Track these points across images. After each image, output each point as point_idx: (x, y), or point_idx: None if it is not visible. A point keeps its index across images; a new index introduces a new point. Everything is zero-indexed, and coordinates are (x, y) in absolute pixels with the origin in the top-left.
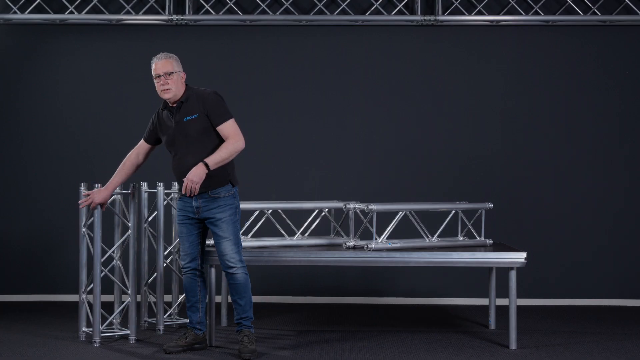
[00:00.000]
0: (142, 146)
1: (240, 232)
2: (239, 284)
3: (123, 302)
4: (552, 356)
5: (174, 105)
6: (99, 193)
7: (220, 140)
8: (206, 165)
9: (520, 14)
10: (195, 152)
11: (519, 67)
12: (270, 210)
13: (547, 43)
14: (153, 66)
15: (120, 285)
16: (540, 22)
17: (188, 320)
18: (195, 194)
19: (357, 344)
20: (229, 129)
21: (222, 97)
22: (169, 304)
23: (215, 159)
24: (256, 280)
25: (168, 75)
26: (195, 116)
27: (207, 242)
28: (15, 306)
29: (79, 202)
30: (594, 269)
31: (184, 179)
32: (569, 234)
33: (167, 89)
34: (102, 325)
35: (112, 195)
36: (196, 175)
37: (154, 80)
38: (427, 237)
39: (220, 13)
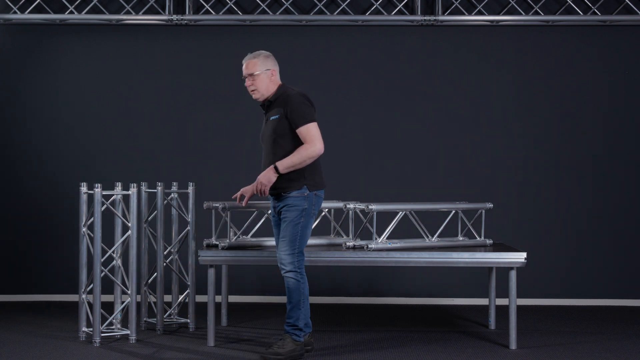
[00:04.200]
0: None
1: (305, 235)
2: (288, 288)
3: (123, 302)
4: (552, 356)
5: (266, 102)
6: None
7: (300, 142)
8: (276, 169)
9: (520, 14)
10: (273, 151)
11: (519, 67)
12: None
13: (547, 43)
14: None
15: (120, 285)
16: (540, 22)
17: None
18: (265, 195)
19: (357, 344)
20: (306, 133)
21: (307, 99)
22: (169, 304)
23: (286, 164)
24: (256, 280)
25: (251, 77)
26: (277, 117)
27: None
28: (15, 306)
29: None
30: (594, 269)
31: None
32: (568, 234)
33: (253, 90)
34: (102, 325)
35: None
36: (265, 177)
37: None
38: (427, 237)
39: (220, 13)
